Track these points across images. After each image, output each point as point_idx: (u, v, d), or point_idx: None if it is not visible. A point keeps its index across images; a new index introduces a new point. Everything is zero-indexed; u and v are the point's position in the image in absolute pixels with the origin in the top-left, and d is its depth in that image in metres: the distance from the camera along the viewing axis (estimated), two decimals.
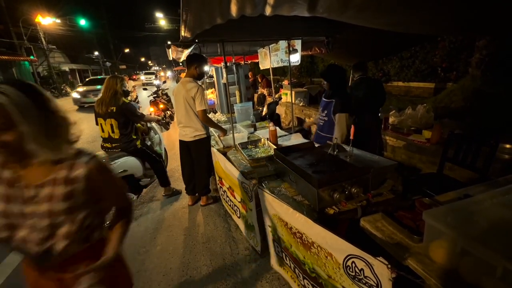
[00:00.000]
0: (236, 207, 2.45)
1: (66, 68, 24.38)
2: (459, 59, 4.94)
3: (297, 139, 2.91)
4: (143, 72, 31.33)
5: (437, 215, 1.07)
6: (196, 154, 2.89)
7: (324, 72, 2.64)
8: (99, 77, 15.51)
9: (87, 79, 15.60)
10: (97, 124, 2.82)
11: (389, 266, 0.94)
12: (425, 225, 1.09)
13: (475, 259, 0.92)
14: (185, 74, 2.80)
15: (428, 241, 1.09)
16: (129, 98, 2.89)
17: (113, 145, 2.80)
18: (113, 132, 2.75)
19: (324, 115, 2.73)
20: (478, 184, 1.50)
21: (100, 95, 2.80)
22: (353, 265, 1.11)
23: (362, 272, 1.07)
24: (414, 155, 3.35)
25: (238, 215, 2.44)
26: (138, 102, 3.05)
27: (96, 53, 31.79)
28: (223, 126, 3.08)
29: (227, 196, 2.68)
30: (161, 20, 27.33)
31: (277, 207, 1.61)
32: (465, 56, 4.77)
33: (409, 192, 2.30)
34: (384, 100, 3.30)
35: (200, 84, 2.72)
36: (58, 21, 20.90)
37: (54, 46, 22.23)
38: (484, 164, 2.12)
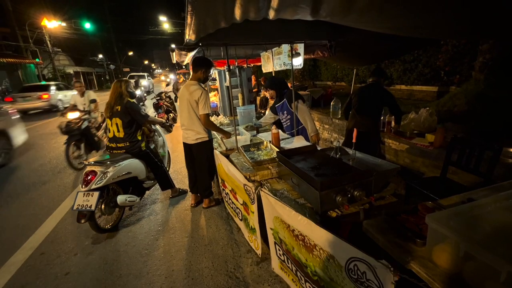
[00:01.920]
0: (238, 210, 2.45)
1: (70, 70, 24.66)
2: (462, 62, 4.92)
3: (299, 142, 2.91)
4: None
5: (440, 218, 1.07)
6: (197, 157, 2.91)
7: (269, 84, 3.38)
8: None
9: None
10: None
11: (391, 269, 0.94)
12: (428, 229, 1.09)
13: (479, 264, 0.91)
14: (188, 77, 2.84)
15: (431, 245, 1.09)
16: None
17: (118, 145, 2.83)
18: (118, 131, 2.80)
19: (285, 115, 3.30)
20: (482, 188, 1.49)
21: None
22: (355, 268, 1.10)
23: (364, 275, 1.07)
24: (417, 158, 3.34)
25: (240, 218, 2.45)
26: (143, 104, 3.10)
27: (101, 56, 32.17)
28: (226, 129, 3.09)
29: (229, 199, 2.68)
30: (165, 23, 27.59)
31: (279, 210, 1.61)
32: (468, 60, 4.75)
33: (412, 195, 2.30)
34: (391, 107, 3.23)
35: (204, 87, 2.74)
36: (64, 24, 21.21)
37: (59, 49, 22.55)
38: (488, 168, 2.11)
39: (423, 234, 1.16)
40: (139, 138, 2.94)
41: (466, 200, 1.38)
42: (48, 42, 19.38)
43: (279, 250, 1.83)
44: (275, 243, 1.85)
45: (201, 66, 2.72)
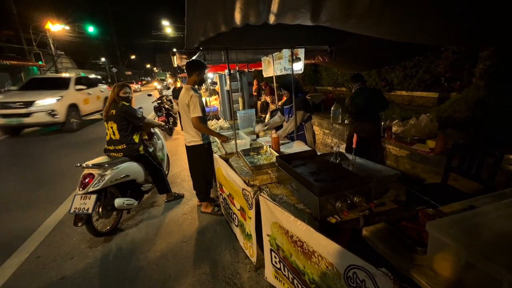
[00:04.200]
0: (235, 215, 2.42)
1: (73, 73, 24.80)
2: (463, 69, 4.93)
3: (299, 146, 2.90)
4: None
5: (441, 226, 1.05)
6: (191, 160, 2.98)
7: (284, 84, 3.37)
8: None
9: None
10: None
11: (391, 277, 0.92)
12: (429, 237, 1.07)
13: (480, 273, 0.89)
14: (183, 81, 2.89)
15: (432, 253, 1.07)
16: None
17: (116, 147, 2.83)
18: (113, 134, 2.81)
19: (290, 118, 3.28)
20: (483, 195, 1.48)
21: None
22: (355, 276, 1.08)
23: (363, 283, 1.05)
24: (417, 164, 3.32)
25: (236, 224, 2.42)
26: (141, 107, 3.11)
27: (103, 59, 32.43)
28: (225, 133, 3.09)
29: (226, 204, 2.66)
30: (167, 28, 27.87)
31: (278, 215, 1.59)
32: (469, 66, 4.76)
33: (412, 202, 2.28)
34: (386, 106, 3.35)
35: (198, 91, 2.77)
36: (67, 28, 21.40)
37: (62, 52, 22.73)
38: (489, 175, 2.09)
39: (424, 242, 1.14)
40: (136, 141, 2.94)
41: (467, 207, 1.36)
42: (52, 45, 19.54)
43: (275, 257, 1.79)
44: (271, 250, 1.82)
45: (195, 69, 2.76)
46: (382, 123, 3.67)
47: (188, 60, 3.01)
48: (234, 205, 2.37)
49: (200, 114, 2.65)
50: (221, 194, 2.83)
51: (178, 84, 9.03)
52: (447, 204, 1.47)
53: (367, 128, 3.21)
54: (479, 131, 3.35)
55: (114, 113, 2.77)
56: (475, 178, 2.21)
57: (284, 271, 1.71)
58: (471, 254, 0.91)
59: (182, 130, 2.92)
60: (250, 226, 2.04)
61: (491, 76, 4.02)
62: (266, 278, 1.95)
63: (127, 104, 2.87)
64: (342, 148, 3.23)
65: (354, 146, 2.03)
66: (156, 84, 26.25)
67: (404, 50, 3.00)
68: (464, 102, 4.09)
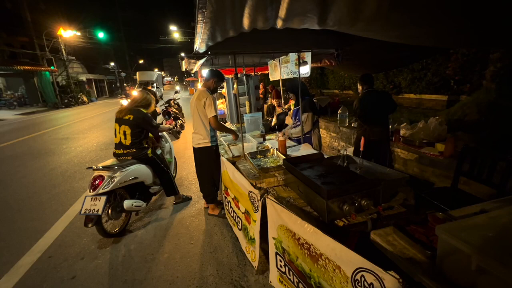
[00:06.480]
0: (238, 219, 2.43)
1: (83, 78, 25.42)
2: (473, 71, 4.85)
3: (306, 149, 2.90)
4: None
5: (451, 230, 1.04)
6: (199, 161, 3.02)
7: (290, 87, 3.46)
8: None
9: None
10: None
11: (400, 280, 0.91)
12: (438, 240, 1.06)
13: (492, 278, 0.88)
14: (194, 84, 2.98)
15: (441, 257, 1.05)
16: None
17: (124, 151, 2.87)
18: (125, 138, 2.84)
19: (296, 121, 3.39)
20: (495, 200, 1.45)
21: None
22: (362, 279, 1.08)
23: (371, 286, 1.04)
24: (426, 168, 3.27)
25: (239, 227, 2.41)
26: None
27: (112, 64, 33.13)
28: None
29: (230, 207, 2.66)
30: (175, 33, 28.35)
31: (285, 217, 1.59)
32: (479, 69, 4.68)
33: (421, 206, 2.24)
34: (394, 108, 3.31)
35: (211, 94, 2.83)
36: (78, 33, 22.00)
37: (74, 57, 23.35)
38: (501, 179, 2.05)
39: (433, 246, 1.13)
40: (145, 145, 2.99)
41: (479, 211, 1.34)
42: (63, 51, 20.11)
43: (280, 261, 1.79)
44: (276, 253, 1.81)
45: (214, 76, 2.87)
46: (390, 126, 3.64)
47: (199, 65, 3.11)
48: (239, 208, 2.38)
49: (216, 113, 2.78)
50: (225, 197, 2.84)
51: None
52: (458, 209, 1.45)
53: (376, 131, 3.17)
54: (490, 134, 3.28)
55: (131, 119, 2.79)
56: (487, 182, 2.17)
57: (289, 275, 1.70)
58: (482, 258, 0.90)
59: (193, 130, 2.96)
60: (254, 230, 2.04)
61: (502, 79, 3.94)
62: (271, 282, 1.94)
63: (145, 111, 2.94)
64: (350, 151, 3.21)
65: (361, 149, 2.03)
66: (134, 93, 20.08)
67: (412, 52, 2.98)
68: (475, 105, 4.02)
